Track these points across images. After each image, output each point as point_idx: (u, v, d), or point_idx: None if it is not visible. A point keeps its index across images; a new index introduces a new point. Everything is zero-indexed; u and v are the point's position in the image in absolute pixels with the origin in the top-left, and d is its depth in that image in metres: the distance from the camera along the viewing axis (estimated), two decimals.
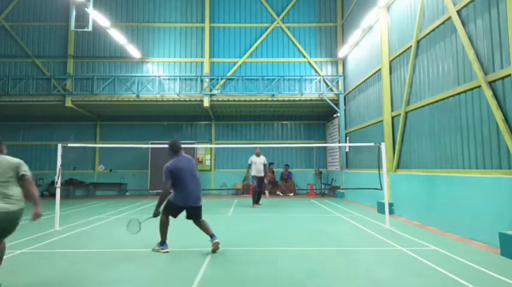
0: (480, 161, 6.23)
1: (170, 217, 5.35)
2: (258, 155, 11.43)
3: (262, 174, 11.40)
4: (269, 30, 16.62)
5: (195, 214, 5.37)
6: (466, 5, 6.67)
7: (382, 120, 10.52)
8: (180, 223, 8.26)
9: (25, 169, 3.90)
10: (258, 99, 15.19)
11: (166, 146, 5.51)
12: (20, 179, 3.81)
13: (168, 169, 5.17)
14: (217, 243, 5.18)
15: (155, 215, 5.18)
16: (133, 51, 15.56)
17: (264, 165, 11.47)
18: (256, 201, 11.33)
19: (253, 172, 11.36)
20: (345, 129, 14.75)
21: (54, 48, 16.54)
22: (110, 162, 17.00)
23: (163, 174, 5.15)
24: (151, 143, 15.14)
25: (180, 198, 5.23)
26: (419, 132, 8.50)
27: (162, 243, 5.31)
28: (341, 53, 15.48)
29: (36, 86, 15.53)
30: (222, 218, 8.96)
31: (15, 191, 3.70)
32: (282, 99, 15.21)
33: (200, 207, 5.39)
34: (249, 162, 11.54)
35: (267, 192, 13.90)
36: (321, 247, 5.55)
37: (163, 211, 5.26)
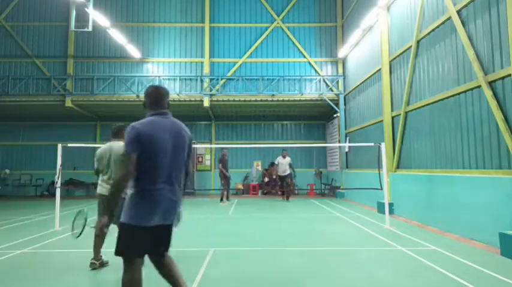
0: (480, 161, 6.23)
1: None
2: (284, 157, 12.94)
3: (286, 173, 12.91)
4: (269, 30, 16.62)
5: (162, 241, 2.69)
6: (466, 5, 6.67)
7: (382, 120, 10.52)
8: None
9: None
10: (258, 99, 15.18)
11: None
12: None
13: (134, 130, 2.56)
14: None
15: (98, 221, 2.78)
16: (133, 51, 15.56)
17: (289, 164, 12.95)
18: (286, 197, 12.99)
19: (278, 172, 13.11)
20: (345, 129, 14.75)
21: (54, 48, 16.55)
22: None
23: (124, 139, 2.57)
24: None
25: (143, 206, 2.50)
26: (419, 132, 8.50)
27: None
28: (341, 53, 15.48)
29: (36, 86, 15.53)
30: (222, 218, 8.96)
31: None
32: (282, 99, 15.21)
33: (171, 228, 2.71)
34: (276, 163, 13.25)
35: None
36: (321, 247, 5.55)
37: (121, 251, 2.53)
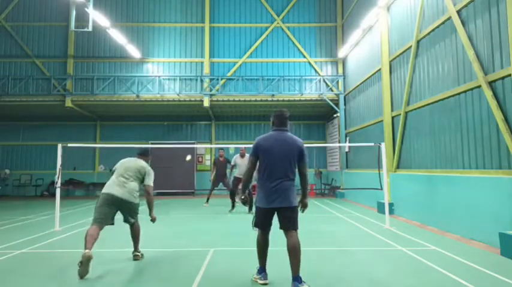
0: (480, 161, 6.23)
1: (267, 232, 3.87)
2: (242, 156, 9.95)
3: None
4: (269, 30, 16.62)
5: (283, 220, 3.73)
6: (466, 5, 6.67)
7: (382, 120, 10.52)
8: (180, 223, 8.28)
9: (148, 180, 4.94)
10: (258, 99, 15.19)
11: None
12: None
13: (255, 142, 3.93)
14: None
15: (242, 202, 4.01)
16: (134, 51, 15.56)
17: None
18: (233, 205, 10.03)
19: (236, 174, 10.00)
20: (345, 129, 14.75)
21: (54, 48, 16.56)
22: (110, 162, 16.93)
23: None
24: (151, 143, 15.16)
25: (259, 195, 3.80)
26: (419, 132, 8.50)
27: (260, 270, 3.92)
28: (341, 53, 15.49)
29: (36, 86, 15.54)
30: (222, 218, 8.96)
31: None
32: (282, 99, 15.22)
33: (291, 210, 3.71)
34: (232, 163, 10.11)
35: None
36: (321, 247, 5.55)
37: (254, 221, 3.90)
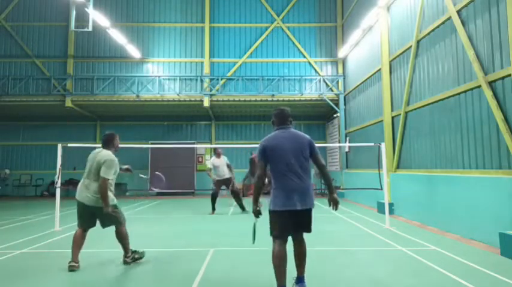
0: (480, 161, 6.23)
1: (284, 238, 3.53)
2: (218, 156, 9.74)
3: (225, 177, 9.75)
4: (269, 30, 16.63)
5: (299, 223, 3.51)
6: (466, 5, 6.67)
7: (382, 120, 10.52)
8: (180, 223, 8.29)
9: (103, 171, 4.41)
10: (258, 99, 15.20)
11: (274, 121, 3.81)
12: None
13: (260, 145, 3.54)
14: None
15: (255, 213, 3.59)
16: (133, 51, 15.57)
17: (228, 166, 9.81)
18: (241, 207, 9.84)
19: (215, 176, 9.78)
20: (345, 129, 14.75)
21: (54, 48, 16.57)
22: None
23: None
24: (151, 143, 15.16)
25: (276, 197, 3.48)
26: (419, 132, 8.50)
27: None
28: (341, 53, 15.49)
29: (36, 86, 15.55)
30: (222, 218, 8.96)
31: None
32: (282, 99, 15.22)
33: (307, 212, 3.50)
34: (210, 165, 9.83)
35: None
36: (321, 247, 5.54)
37: (270, 231, 3.56)
